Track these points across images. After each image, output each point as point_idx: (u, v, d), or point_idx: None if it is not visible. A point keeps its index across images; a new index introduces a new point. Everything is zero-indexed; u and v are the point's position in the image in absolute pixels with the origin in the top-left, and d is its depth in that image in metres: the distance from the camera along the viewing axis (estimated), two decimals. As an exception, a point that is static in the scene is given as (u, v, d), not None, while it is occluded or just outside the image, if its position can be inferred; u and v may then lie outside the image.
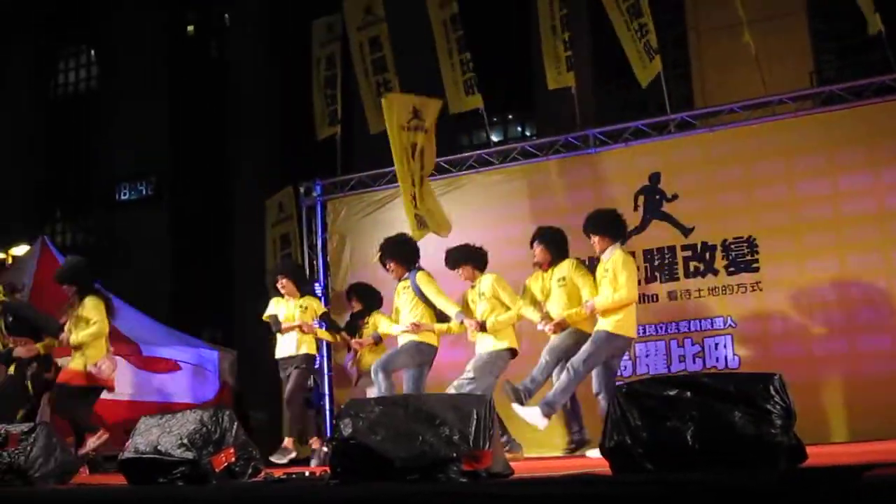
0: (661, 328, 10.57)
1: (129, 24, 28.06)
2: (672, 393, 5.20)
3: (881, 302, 9.89)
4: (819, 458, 5.23)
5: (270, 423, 10.69)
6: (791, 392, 5.07)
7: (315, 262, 12.87)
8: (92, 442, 10.25)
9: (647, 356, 10.57)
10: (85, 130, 28.91)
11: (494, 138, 19.38)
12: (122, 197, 28.08)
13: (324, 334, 10.95)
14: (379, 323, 10.58)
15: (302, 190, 13.17)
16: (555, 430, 9.59)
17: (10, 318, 10.96)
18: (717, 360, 10.27)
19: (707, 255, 10.48)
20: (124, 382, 14.49)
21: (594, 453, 8.73)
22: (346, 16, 13.49)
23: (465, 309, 9.79)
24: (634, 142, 11.13)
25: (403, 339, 10.00)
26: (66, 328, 10.55)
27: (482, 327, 9.53)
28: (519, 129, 23.22)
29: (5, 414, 10.10)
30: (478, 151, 12.40)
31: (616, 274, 9.01)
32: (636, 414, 5.23)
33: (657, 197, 10.77)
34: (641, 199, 10.84)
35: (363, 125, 13.60)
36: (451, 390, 9.39)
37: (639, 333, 10.53)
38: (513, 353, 9.69)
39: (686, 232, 10.61)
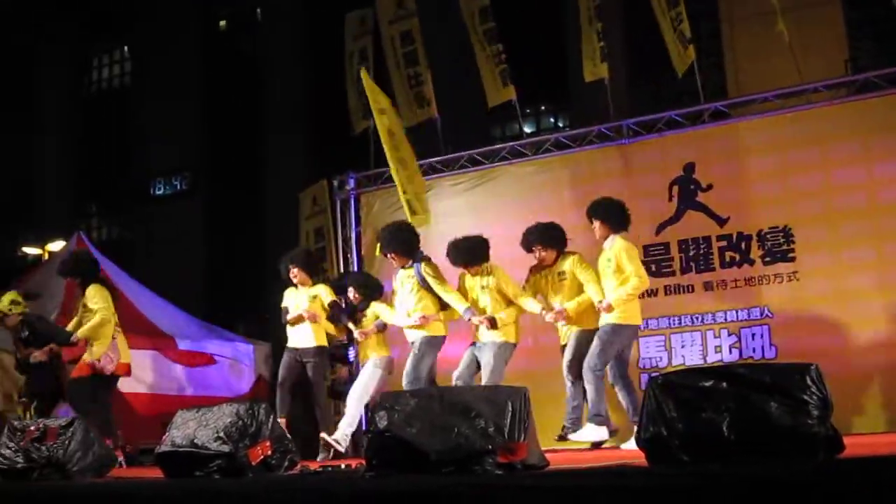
0: (696, 319, 10.53)
1: (163, 21, 28.22)
2: (708, 384, 5.18)
3: (919, 290, 9.83)
4: (856, 449, 5.19)
5: (305, 414, 10.64)
6: (828, 382, 5.04)
7: (349, 256, 12.90)
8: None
9: (682, 347, 10.53)
10: (119, 127, 29.12)
11: (527, 130, 19.36)
12: (157, 192, 28.26)
13: (328, 326, 10.72)
14: (381, 312, 10.35)
15: (335, 183, 13.19)
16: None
17: (27, 332, 11.07)
18: (754, 350, 10.22)
19: (743, 244, 10.43)
20: (161, 376, 14.62)
21: (629, 445, 8.74)
22: (379, 9, 13.49)
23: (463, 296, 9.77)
24: (668, 132, 11.08)
25: (412, 335, 9.90)
26: (76, 321, 10.62)
27: (493, 324, 9.49)
28: (552, 120, 23.19)
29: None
30: (511, 143, 12.38)
31: (620, 264, 9.04)
32: (672, 405, 5.21)
33: (692, 187, 10.72)
34: (676, 189, 10.79)
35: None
36: (458, 382, 9.44)
37: (674, 324, 10.54)
38: (514, 346, 9.74)
39: (721, 222, 10.55)
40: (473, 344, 9.71)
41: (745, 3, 17.83)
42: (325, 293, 10.58)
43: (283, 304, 10.73)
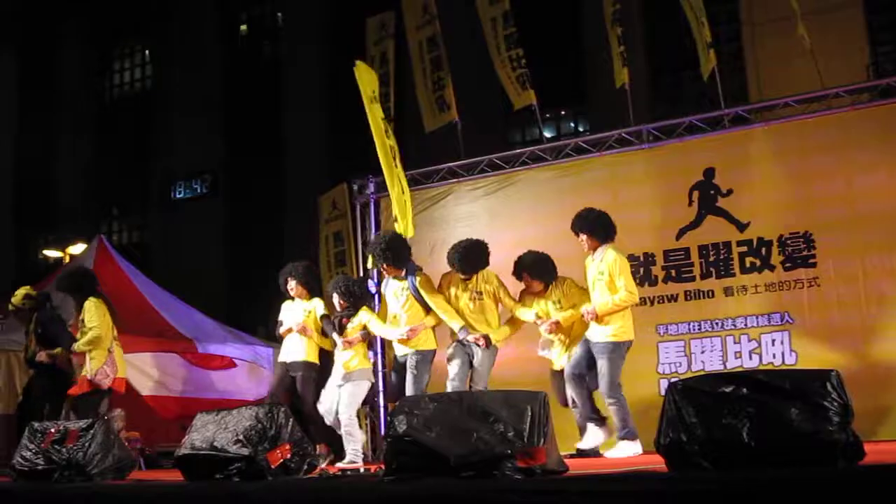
0: (716, 324, 10.50)
1: (184, 25, 28.32)
2: (728, 390, 5.17)
3: (941, 297, 9.79)
4: (878, 456, 5.17)
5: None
6: (848, 388, 5.02)
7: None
8: None
9: (702, 352, 10.50)
10: (140, 130, 29.18)
11: (547, 134, 19.37)
12: (178, 195, 28.31)
13: (323, 342, 10.49)
14: (371, 326, 10.08)
15: (355, 187, 13.20)
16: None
17: (40, 330, 11.14)
18: (774, 356, 10.18)
19: (763, 250, 10.40)
20: (180, 379, 14.67)
21: (613, 453, 8.86)
22: (406, 15, 13.52)
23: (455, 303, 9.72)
24: (689, 137, 11.06)
25: (403, 350, 9.81)
26: (79, 337, 10.68)
27: (487, 342, 9.47)
28: (572, 124, 23.15)
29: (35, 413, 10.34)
30: (531, 147, 12.38)
31: (613, 276, 9.04)
32: (691, 411, 5.20)
33: (712, 192, 10.69)
34: (696, 194, 10.77)
35: (415, 122, 13.63)
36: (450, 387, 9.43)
37: (694, 330, 10.52)
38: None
39: (741, 227, 10.52)
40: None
41: (765, 7, 17.79)
42: (320, 308, 10.47)
43: (280, 318, 10.66)
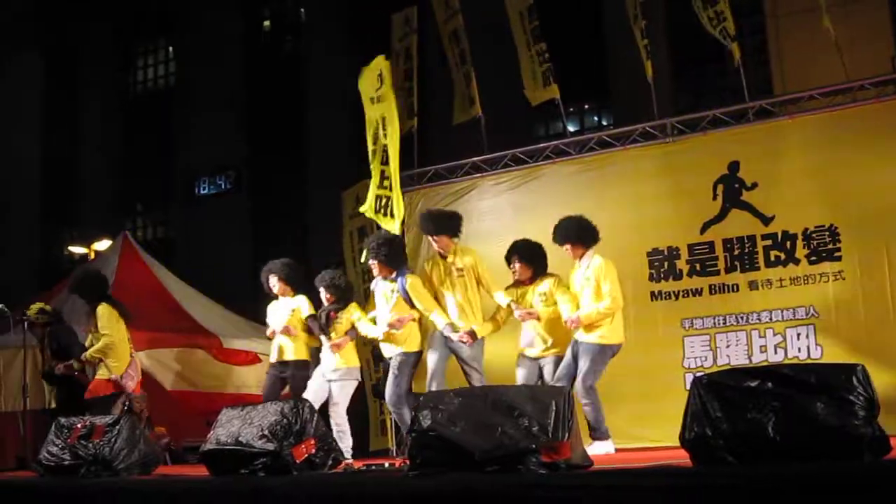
0: (741, 318, 10.46)
1: (207, 21, 28.37)
2: (753, 384, 5.16)
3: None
4: (904, 450, 5.14)
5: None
6: (874, 383, 5.00)
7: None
8: None
9: (727, 347, 10.46)
10: (164, 126, 29.27)
11: (571, 128, 19.32)
12: (202, 191, 28.39)
13: (311, 341, 10.42)
14: (360, 328, 9.99)
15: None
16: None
17: (55, 345, 11.25)
18: (799, 350, 10.13)
19: (788, 243, 10.35)
20: (206, 375, 14.73)
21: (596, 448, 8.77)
22: (435, 9, 13.53)
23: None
24: (713, 130, 11.01)
25: (389, 351, 9.74)
26: (89, 341, 10.72)
27: (472, 337, 9.39)
28: (595, 118, 23.10)
29: None
30: (554, 142, 12.35)
31: (599, 282, 8.99)
32: (716, 405, 5.19)
33: (736, 185, 10.65)
34: (720, 187, 10.72)
35: (439, 117, 13.63)
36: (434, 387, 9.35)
37: (719, 324, 10.49)
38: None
39: (766, 221, 10.48)
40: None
41: (790, -1, 17.72)
42: (305, 306, 10.41)
43: (267, 319, 10.62)
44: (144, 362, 12.88)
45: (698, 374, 5.71)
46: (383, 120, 11.26)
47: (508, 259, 9.54)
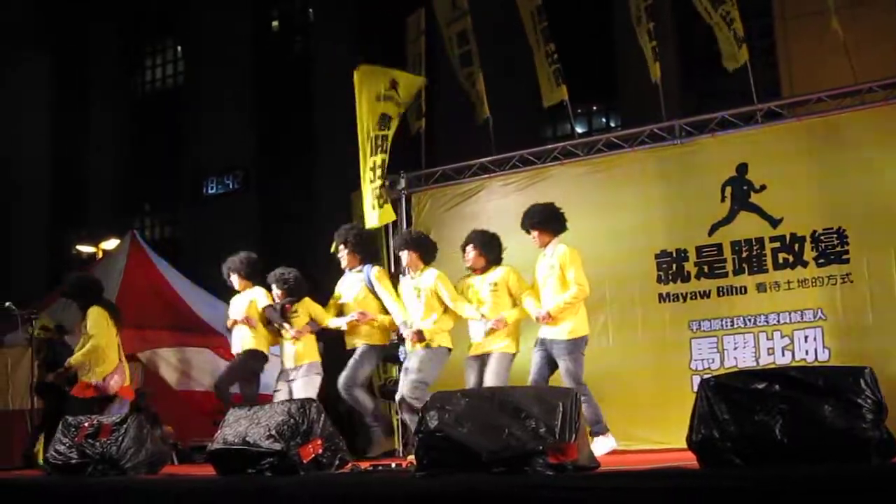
0: (749, 320, 10.43)
1: (215, 21, 28.43)
2: (760, 386, 5.16)
3: (976, 293, 9.71)
4: (912, 453, 5.13)
5: (351, 412, 10.57)
6: (882, 385, 5.00)
7: (401, 255, 12.90)
8: None
9: (735, 349, 10.44)
10: (172, 126, 29.34)
11: (579, 129, 19.32)
12: (210, 191, 28.46)
13: (270, 336, 10.43)
14: (318, 316, 10.04)
15: (387, 183, 13.19)
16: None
17: (51, 357, 11.30)
18: (807, 352, 10.11)
19: (796, 246, 10.33)
20: (213, 374, 14.71)
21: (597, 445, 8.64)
22: (437, 11, 13.52)
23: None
24: (721, 132, 10.98)
25: (352, 343, 9.72)
26: (80, 344, 10.75)
27: (420, 337, 9.31)
28: (603, 120, 23.11)
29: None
30: (562, 143, 12.34)
31: (563, 269, 8.96)
32: (724, 407, 5.20)
33: (744, 187, 10.63)
34: (728, 189, 10.70)
35: (447, 118, 13.63)
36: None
37: (726, 326, 10.47)
38: (449, 351, 9.56)
39: (774, 223, 10.46)
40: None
41: (798, 1, 17.68)
42: (260, 298, 10.42)
43: (229, 311, 10.68)
44: (152, 361, 12.93)
45: (706, 377, 5.71)
46: (384, 117, 11.35)
47: (464, 247, 9.56)
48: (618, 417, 10.07)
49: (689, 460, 5.48)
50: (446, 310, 9.43)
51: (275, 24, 29.36)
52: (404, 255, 9.80)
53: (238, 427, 7.32)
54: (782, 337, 10.26)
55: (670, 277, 10.84)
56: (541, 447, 5.47)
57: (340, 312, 9.96)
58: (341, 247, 9.95)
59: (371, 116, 11.42)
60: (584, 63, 19.41)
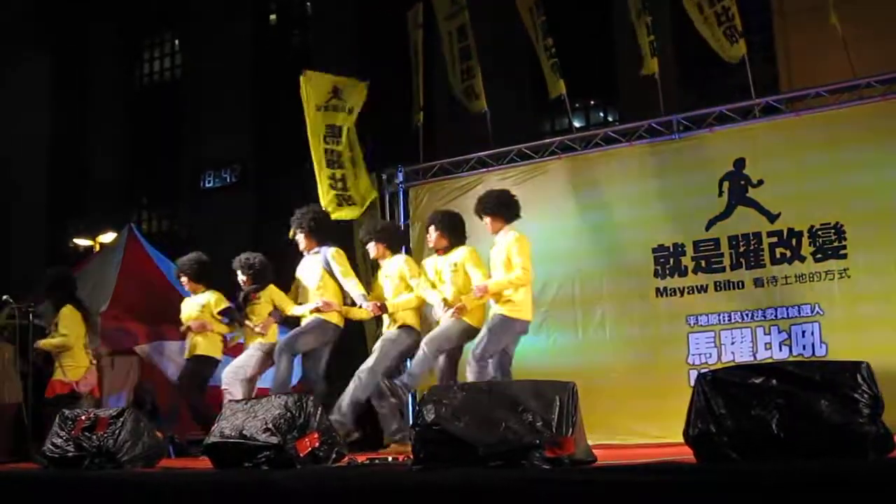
0: (746, 315, 10.44)
1: (213, 14, 28.40)
2: (757, 381, 5.16)
3: (972, 289, 9.71)
4: (908, 448, 5.14)
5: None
6: (879, 380, 5.00)
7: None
8: None
9: (732, 343, 10.44)
10: (170, 119, 29.32)
11: (577, 124, 19.30)
12: (207, 185, 28.43)
13: (221, 328, 10.61)
14: (279, 302, 10.21)
15: (384, 177, 13.19)
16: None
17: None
18: (804, 347, 10.11)
19: (793, 241, 10.33)
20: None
21: None
22: (435, 5, 13.50)
23: (376, 288, 9.87)
24: (719, 127, 10.99)
25: (308, 318, 9.89)
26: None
27: (382, 308, 9.48)
28: (601, 114, 23.10)
29: None
30: (560, 137, 12.33)
31: (510, 255, 9.04)
32: (721, 402, 5.20)
33: (742, 182, 10.63)
34: (726, 184, 10.70)
35: (445, 112, 13.60)
36: (362, 374, 9.42)
37: (724, 321, 10.46)
38: (417, 333, 9.68)
39: (772, 218, 10.46)
40: None
41: (797, -4, 17.67)
42: (214, 301, 10.54)
43: (182, 315, 10.73)
44: (149, 355, 12.90)
45: (702, 371, 5.71)
46: (332, 128, 11.36)
47: (427, 227, 9.73)
48: (614, 412, 10.11)
49: (686, 455, 5.48)
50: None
51: (273, 17, 29.33)
52: (371, 247, 10.01)
53: (235, 420, 7.31)
54: (780, 332, 10.26)
55: (667, 272, 10.85)
56: (538, 441, 5.47)
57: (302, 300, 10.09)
58: (298, 231, 9.97)
59: (316, 126, 11.44)
60: (583, 58, 19.39)
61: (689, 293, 10.76)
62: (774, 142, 10.64)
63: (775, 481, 3.84)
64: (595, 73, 20.93)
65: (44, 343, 10.73)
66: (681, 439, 5.45)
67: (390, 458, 7.90)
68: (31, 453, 10.75)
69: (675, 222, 10.92)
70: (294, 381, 12.76)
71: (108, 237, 22.04)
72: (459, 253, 9.49)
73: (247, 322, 10.18)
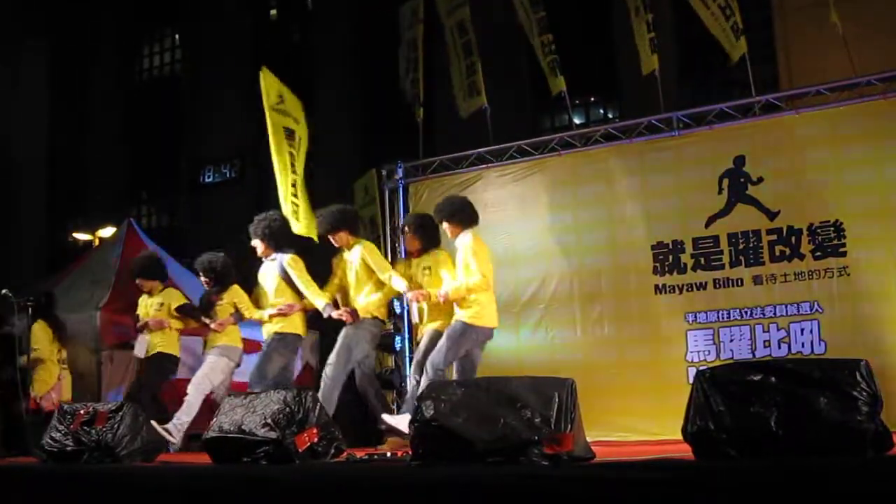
0: (745, 313, 10.44)
1: (213, 9, 28.38)
2: (756, 378, 5.17)
3: (971, 287, 9.71)
4: (907, 446, 5.14)
5: (350, 402, 10.55)
6: (878, 378, 5.00)
7: (398, 246, 12.89)
8: None
9: (731, 341, 10.45)
10: (170, 114, 29.30)
11: (577, 121, 19.30)
12: (207, 180, 28.42)
13: (176, 323, 10.51)
14: (241, 306, 10.09)
15: (384, 173, 13.18)
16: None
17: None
18: (803, 345, 10.12)
19: (793, 238, 10.33)
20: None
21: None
22: (437, 0, 13.48)
23: (340, 277, 9.77)
24: (719, 124, 10.99)
25: (267, 333, 9.78)
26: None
27: (354, 316, 9.37)
28: (601, 111, 23.09)
29: None
30: (560, 134, 12.33)
31: (466, 260, 9.01)
32: (719, 399, 5.20)
33: (742, 180, 10.63)
34: (726, 182, 10.70)
35: (445, 108, 13.58)
36: (327, 370, 9.36)
37: (723, 318, 10.46)
38: (383, 323, 9.76)
39: (771, 216, 10.46)
40: None
41: (798, -6, 17.66)
42: (174, 298, 10.51)
43: (138, 311, 10.67)
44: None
45: (701, 368, 5.71)
46: (287, 130, 11.26)
47: (402, 229, 9.82)
48: (614, 409, 10.11)
49: (685, 452, 5.48)
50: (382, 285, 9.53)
51: (273, 12, 29.31)
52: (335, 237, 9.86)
53: (234, 415, 7.32)
54: (778, 329, 10.26)
55: (667, 269, 10.84)
56: (536, 437, 5.47)
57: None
58: (254, 237, 10.02)
59: (275, 124, 11.34)
60: (583, 54, 19.40)
61: (688, 290, 10.76)
62: (774, 139, 10.64)
63: (773, 478, 3.85)
64: (595, 71, 20.93)
65: (23, 359, 10.96)
66: (679, 436, 5.46)
67: (389, 454, 7.90)
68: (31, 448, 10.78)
69: (675, 219, 10.92)
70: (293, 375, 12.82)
71: (107, 232, 22.03)
72: (432, 256, 9.48)
73: (204, 319, 10.14)
